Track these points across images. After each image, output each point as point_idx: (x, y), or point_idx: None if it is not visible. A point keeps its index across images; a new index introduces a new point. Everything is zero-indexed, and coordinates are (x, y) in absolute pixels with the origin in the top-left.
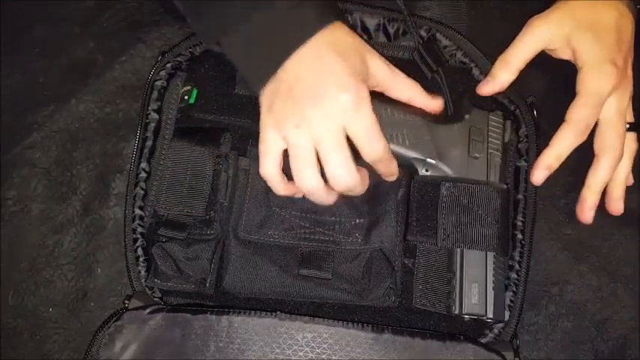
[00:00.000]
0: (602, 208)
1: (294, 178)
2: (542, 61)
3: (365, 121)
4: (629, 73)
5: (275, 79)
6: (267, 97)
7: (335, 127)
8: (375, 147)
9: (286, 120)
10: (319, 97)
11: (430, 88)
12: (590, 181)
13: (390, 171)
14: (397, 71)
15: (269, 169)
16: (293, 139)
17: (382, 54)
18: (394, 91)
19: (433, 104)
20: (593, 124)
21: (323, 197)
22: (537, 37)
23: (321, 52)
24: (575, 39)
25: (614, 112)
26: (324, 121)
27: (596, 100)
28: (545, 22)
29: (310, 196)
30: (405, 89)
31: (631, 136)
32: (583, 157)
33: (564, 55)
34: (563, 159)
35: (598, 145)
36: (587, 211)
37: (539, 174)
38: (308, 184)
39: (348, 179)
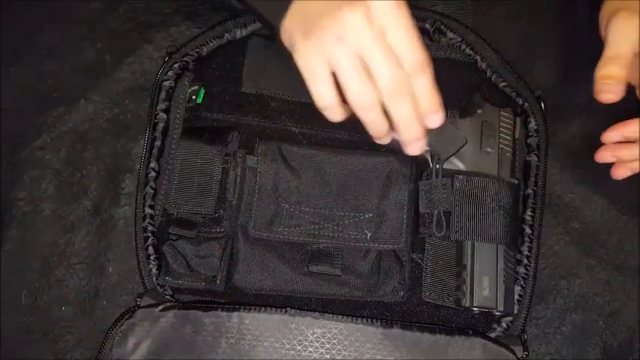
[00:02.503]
0: (610, 201)
1: (349, 95)
2: (548, 54)
3: (406, 22)
4: None
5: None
6: (293, 22)
7: (379, 32)
8: (417, 52)
9: (325, 35)
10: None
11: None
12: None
13: (430, 95)
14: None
15: (326, 95)
16: (338, 54)
17: None
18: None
19: None
20: None
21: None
22: (634, 28)
23: None
24: None
25: None
26: (367, 27)
27: None
28: (633, 14)
29: (364, 114)
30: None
31: None
32: (592, 151)
33: None
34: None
35: None
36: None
37: (611, 135)
38: (367, 99)
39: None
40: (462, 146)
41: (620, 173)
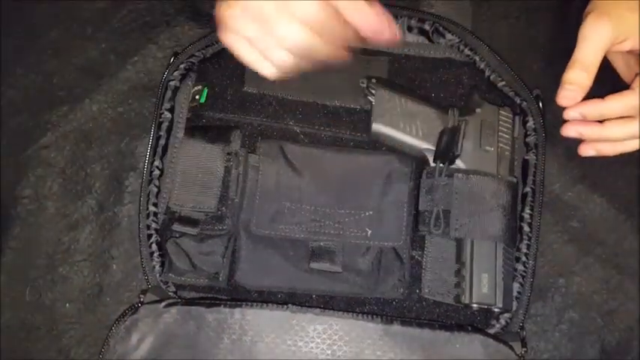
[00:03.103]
0: (608, 200)
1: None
2: (547, 54)
3: None
4: None
5: None
6: None
7: None
8: None
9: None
10: None
11: None
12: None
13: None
14: None
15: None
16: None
17: None
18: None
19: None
20: None
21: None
22: (603, 31)
23: None
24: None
25: None
26: None
27: None
28: (606, 16)
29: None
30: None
31: None
32: None
33: (630, 44)
34: (602, 117)
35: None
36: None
37: (572, 114)
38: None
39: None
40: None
41: (583, 150)
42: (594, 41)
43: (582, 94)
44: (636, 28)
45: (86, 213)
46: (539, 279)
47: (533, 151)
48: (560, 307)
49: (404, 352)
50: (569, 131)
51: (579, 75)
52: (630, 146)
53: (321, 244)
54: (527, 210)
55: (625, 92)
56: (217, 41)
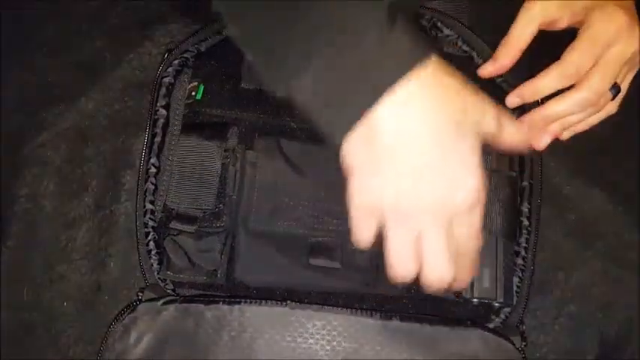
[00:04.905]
0: (607, 193)
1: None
2: (544, 49)
3: (474, 224)
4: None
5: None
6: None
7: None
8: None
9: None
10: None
11: None
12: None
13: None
14: (503, 117)
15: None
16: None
17: None
18: (499, 142)
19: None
20: (585, 71)
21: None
22: (533, 12)
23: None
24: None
25: (610, 56)
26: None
27: (594, 44)
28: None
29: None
30: (510, 138)
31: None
32: (589, 142)
33: (566, 21)
34: (540, 96)
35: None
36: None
37: (512, 100)
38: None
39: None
40: None
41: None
42: (523, 22)
43: (498, 72)
44: (566, 6)
45: (83, 211)
46: (538, 273)
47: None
48: (560, 301)
49: (403, 347)
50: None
51: (502, 52)
52: (592, 120)
53: (320, 240)
54: (527, 204)
55: (552, 65)
56: (210, 35)
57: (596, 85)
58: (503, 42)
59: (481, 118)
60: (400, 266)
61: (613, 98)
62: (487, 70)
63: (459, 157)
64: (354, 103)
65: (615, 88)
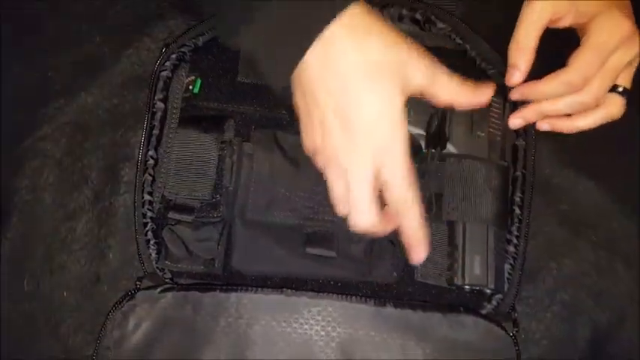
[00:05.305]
0: (598, 183)
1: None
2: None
3: (399, 164)
4: (637, 33)
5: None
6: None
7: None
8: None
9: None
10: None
11: None
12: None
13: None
14: (436, 68)
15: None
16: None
17: None
18: (432, 95)
19: (478, 99)
20: (590, 79)
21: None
22: (537, 11)
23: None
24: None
25: (611, 63)
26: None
27: (601, 53)
28: None
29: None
30: (445, 91)
31: (617, 101)
32: (581, 134)
33: (569, 20)
34: (543, 99)
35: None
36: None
37: (514, 96)
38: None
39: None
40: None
41: (539, 125)
42: (529, 22)
43: (522, 75)
44: (572, 5)
45: (83, 203)
46: (531, 261)
47: (523, 136)
48: (552, 289)
49: (397, 332)
50: (515, 122)
51: (516, 56)
52: (583, 123)
53: (316, 229)
54: (519, 193)
55: (559, 71)
56: (207, 30)
57: (595, 90)
58: (512, 46)
59: (404, 62)
60: (339, 206)
61: (626, 101)
62: (512, 80)
63: (376, 97)
64: (288, 51)
65: (627, 94)
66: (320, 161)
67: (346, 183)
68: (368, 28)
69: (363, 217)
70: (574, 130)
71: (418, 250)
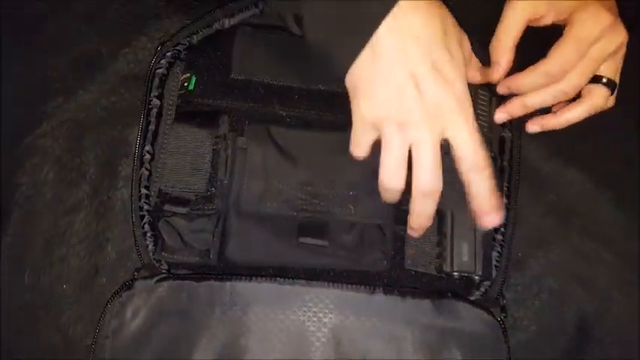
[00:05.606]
0: (584, 173)
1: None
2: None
3: (470, 126)
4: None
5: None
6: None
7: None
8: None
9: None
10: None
11: None
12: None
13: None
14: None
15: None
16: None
17: None
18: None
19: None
20: (569, 70)
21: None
22: (518, 11)
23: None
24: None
25: (591, 54)
26: (427, 128)
27: (579, 44)
28: None
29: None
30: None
31: (601, 92)
32: (568, 126)
33: (551, 18)
34: (525, 91)
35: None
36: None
37: (500, 89)
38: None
39: (435, 183)
40: None
41: (528, 127)
42: (509, 21)
43: (503, 71)
44: (550, 5)
45: (81, 198)
46: (518, 249)
47: (509, 128)
48: (540, 277)
49: (386, 318)
50: (500, 117)
51: (497, 54)
52: (570, 116)
53: (309, 219)
54: (505, 183)
55: (538, 62)
56: (202, 29)
57: (575, 79)
58: (493, 44)
59: (458, 40)
60: (392, 175)
61: (612, 94)
62: (494, 77)
63: (448, 66)
64: (358, 31)
65: (612, 85)
66: (384, 127)
67: (416, 144)
68: (431, 9)
69: (429, 178)
70: (563, 125)
71: (491, 217)
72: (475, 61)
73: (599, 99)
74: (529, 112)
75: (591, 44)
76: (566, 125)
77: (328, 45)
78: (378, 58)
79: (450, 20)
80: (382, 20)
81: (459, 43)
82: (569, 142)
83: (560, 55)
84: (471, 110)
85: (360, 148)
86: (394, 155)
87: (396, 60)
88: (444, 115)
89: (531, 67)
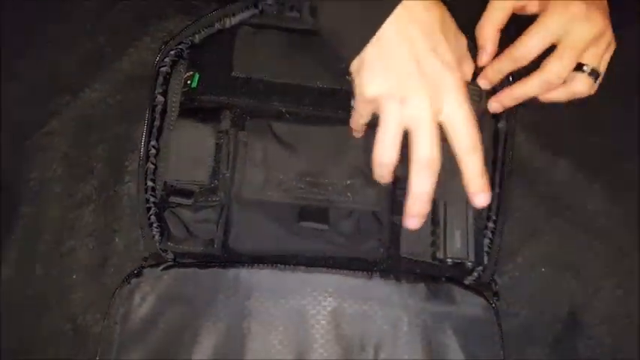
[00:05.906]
0: (575, 165)
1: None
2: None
3: (463, 106)
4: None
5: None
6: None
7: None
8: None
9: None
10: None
11: None
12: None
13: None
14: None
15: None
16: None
17: None
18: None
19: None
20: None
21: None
22: (497, 5)
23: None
24: None
25: (567, 42)
26: (426, 104)
27: (544, 30)
28: None
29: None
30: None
31: (580, 78)
32: (558, 118)
33: (536, 7)
34: (501, 76)
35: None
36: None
37: (482, 82)
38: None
39: (434, 152)
40: None
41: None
42: (494, 6)
43: (489, 56)
44: None
45: (89, 192)
46: (510, 239)
47: (501, 120)
48: (531, 265)
49: (384, 301)
50: (493, 106)
51: (482, 39)
52: (549, 97)
53: (309, 204)
54: (497, 174)
55: (505, 49)
56: (203, 28)
57: (556, 68)
58: (478, 30)
59: (455, 32)
60: (386, 150)
61: (595, 81)
62: (480, 62)
63: (447, 50)
64: (369, 20)
65: (594, 74)
66: (384, 103)
67: (415, 120)
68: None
69: (428, 147)
70: (529, 96)
71: (480, 197)
72: (469, 58)
73: (579, 85)
74: (519, 102)
75: (561, 32)
76: (540, 99)
77: (340, 32)
78: (382, 40)
79: (448, 14)
80: (393, 10)
81: (456, 35)
82: (560, 135)
83: (523, 40)
84: (466, 93)
85: (360, 121)
86: (391, 132)
87: (400, 42)
88: (443, 94)
89: (499, 56)
